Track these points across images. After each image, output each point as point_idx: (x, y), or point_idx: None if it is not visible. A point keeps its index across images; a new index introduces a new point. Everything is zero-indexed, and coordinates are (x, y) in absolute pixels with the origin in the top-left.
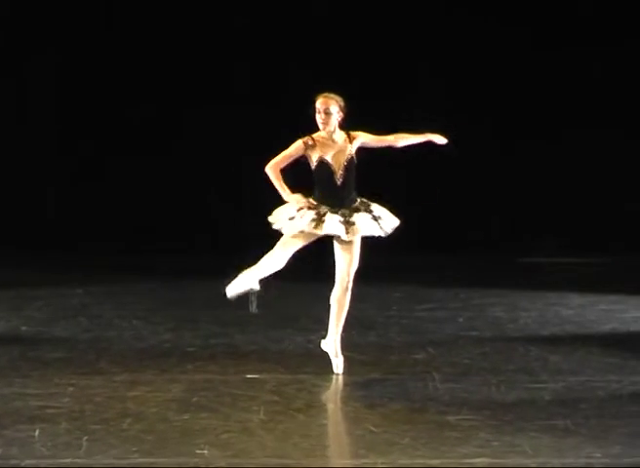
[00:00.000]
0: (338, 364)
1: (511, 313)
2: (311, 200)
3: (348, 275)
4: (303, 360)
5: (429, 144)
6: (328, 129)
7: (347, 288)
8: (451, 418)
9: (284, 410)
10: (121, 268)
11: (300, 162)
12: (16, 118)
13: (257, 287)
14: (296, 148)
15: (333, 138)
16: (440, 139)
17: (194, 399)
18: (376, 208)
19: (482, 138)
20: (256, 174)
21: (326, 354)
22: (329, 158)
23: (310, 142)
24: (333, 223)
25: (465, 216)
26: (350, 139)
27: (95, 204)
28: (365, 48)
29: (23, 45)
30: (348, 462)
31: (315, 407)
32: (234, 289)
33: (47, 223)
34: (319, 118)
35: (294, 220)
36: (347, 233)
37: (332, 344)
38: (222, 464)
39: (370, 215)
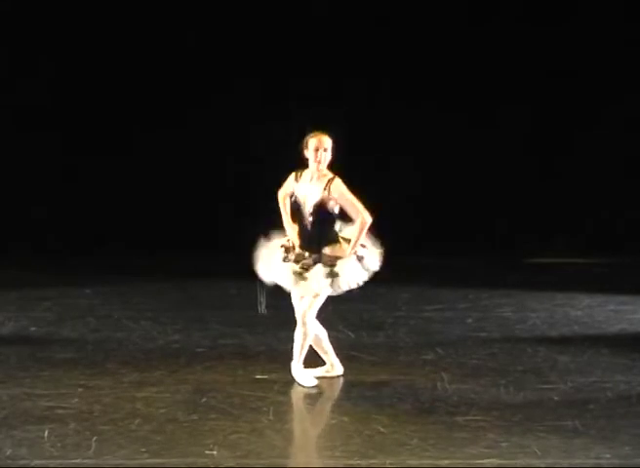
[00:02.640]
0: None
1: (520, 314)
2: (289, 243)
3: (304, 318)
4: (311, 361)
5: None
6: (322, 167)
7: (305, 326)
8: (459, 419)
9: (293, 411)
10: (129, 269)
11: None
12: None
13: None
14: (288, 183)
15: (311, 178)
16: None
17: (203, 399)
18: (343, 262)
19: (489, 138)
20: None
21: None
22: (301, 197)
23: (298, 177)
24: (314, 281)
25: (474, 217)
26: (327, 185)
27: (103, 204)
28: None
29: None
30: (357, 462)
31: (324, 407)
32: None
33: (55, 224)
34: (317, 156)
35: (277, 273)
36: (332, 286)
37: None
38: (231, 464)
39: (354, 257)
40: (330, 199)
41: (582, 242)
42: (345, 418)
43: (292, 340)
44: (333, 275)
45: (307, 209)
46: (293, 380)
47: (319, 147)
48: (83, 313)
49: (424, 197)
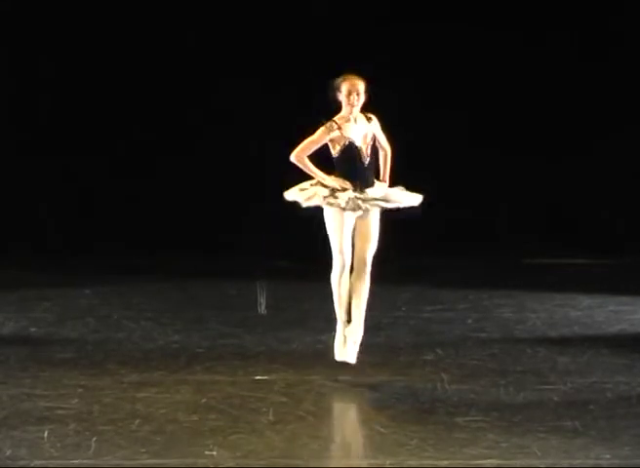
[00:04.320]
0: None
1: (520, 314)
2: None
3: (366, 262)
4: (312, 361)
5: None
6: (355, 110)
7: (365, 273)
8: (459, 419)
9: (293, 412)
10: (129, 269)
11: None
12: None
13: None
14: (320, 135)
15: (354, 120)
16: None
17: (203, 400)
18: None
19: (488, 138)
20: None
21: (331, 354)
22: (355, 140)
23: (335, 127)
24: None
25: (474, 217)
26: (369, 120)
27: (103, 204)
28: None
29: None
30: (357, 463)
31: (324, 408)
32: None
33: (55, 224)
34: (350, 99)
35: (335, 200)
36: (388, 201)
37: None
38: (231, 465)
39: (399, 188)
40: (375, 135)
41: (582, 242)
42: (345, 418)
43: (292, 341)
44: (387, 198)
45: (364, 147)
46: (292, 381)
47: (352, 91)
48: (83, 313)
49: (424, 197)
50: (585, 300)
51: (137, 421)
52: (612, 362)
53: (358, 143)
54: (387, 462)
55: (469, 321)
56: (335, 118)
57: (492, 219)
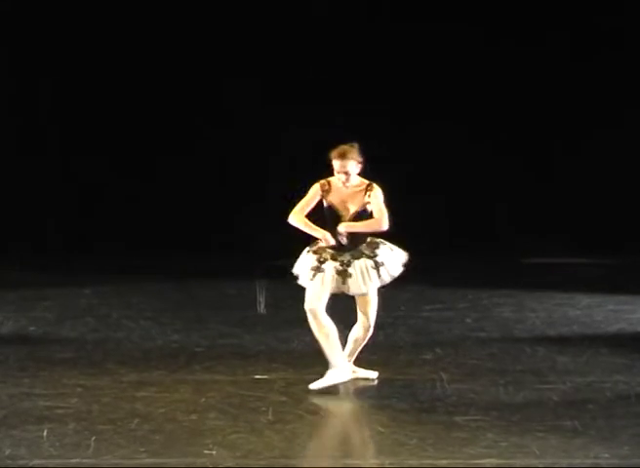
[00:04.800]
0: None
1: (519, 314)
2: (321, 246)
3: (368, 319)
4: (312, 360)
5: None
6: (348, 184)
7: (368, 328)
8: (458, 419)
9: (292, 411)
10: (129, 268)
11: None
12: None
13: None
14: (314, 193)
15: (350, 186)
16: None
17: (202, 399)
18: (382, 252)
19: (487, 139)
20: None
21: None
22: (338, 204)
23: (326, 187)
24: (359, 277)
25: (474, 216)
26: (367, 190)
27: (103, 204)
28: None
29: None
30: (357, 462)
31: (323, 407)
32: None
33: (54, 224)
34: (340, 177)
35: (316, 278)
36: (379, 277)
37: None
38: (230, 464)
39: (371, 262)
40: (367, 203)
41: (582, 242)
42: (344, 418)
43: (291, 340)
44: (378, 265)
45: (348, 215)
46: (292, 380)
47: (340, 171)
48: (82, 313)
49: (425, 197)
50: (584, 300)
51: (136, 421)
52: (611, 361)
53: (340, 210)
54: (387, 462)
55: (469, 320)
56: (330, 178)
57: (491, 219)
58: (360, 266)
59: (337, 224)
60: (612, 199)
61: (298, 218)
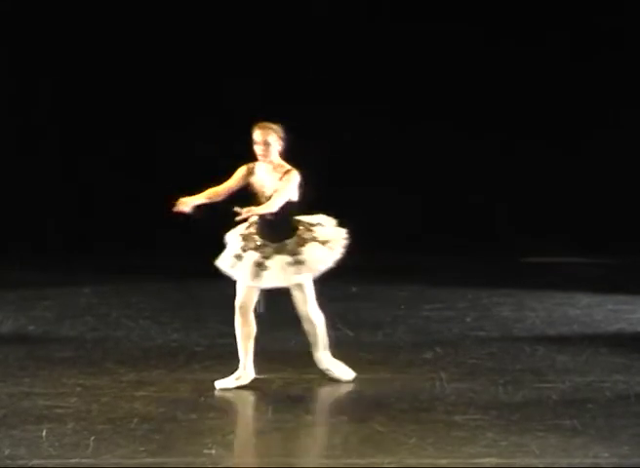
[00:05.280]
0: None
1: (518, 313)
2: (252, 231)
3: (307, 311)
4: (310, 360)
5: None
6: (268, 160)
7: (312, 319)
8: (458, 418)
9: (291, 410)
10: (129, 268)
11: None
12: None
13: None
14: (238, 173)
15: (270, 169)
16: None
17: (201, 399)
18: (319, 230)
19: (487, 139)
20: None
21: (333, 352)
22: (259, 188)
23: (252, 168)
24: (276, 271)
25: (473, 215)
26: (284, 175)
27: (102, 203)
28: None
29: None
30: (355, 461)
31: (322, 406)
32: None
33: (54, 223)
34: (258, 149)
35: (236, 267)
36: (297, 273)
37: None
38: (230, 464)
39: (317, 243)
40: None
41: (582, 241)
42: (344, 417)
43: (290, 340)
44: (298, 263)
45: (265, 199)
46: (290, 379)
47: (258, 142)
48: (82, 312)
49: (424, 195)
50: (584, 299)
51: (135, 420)
52: (610, 361)
53: (258, 193)
54: (386, 461)
55: (468, 319)
56: (252, 163)
57: (491, 219)
58: (279, 261)
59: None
60: (612, 199)
61: (205, 192)
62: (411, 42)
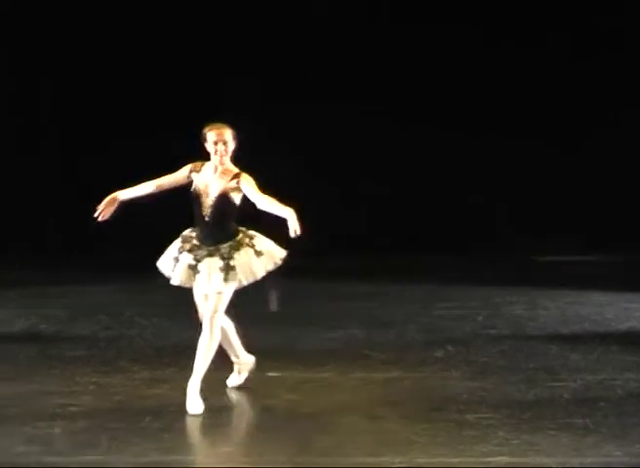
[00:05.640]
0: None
1: (531, 311)
2: (192, 234)
3: (209, 324)
4: (323, 358)
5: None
6: (224, 160)
7: (208, 332)
8: (470, 417)
9: (304, 409)
10: (141, 266)
11: None
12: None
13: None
14: (181, 171)
15: (218, 171)
16: (293, 224)
17: (214, 397)
18: (258, 241)
19: (504, 138)
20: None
21: (345, 351)
22: (201, 188)
23: (198, 168)
24: (206, 275)
25: (485, 214)
26: (234, 179)
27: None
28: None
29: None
30: (366, 460)
31: (335, 405)
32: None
33: (66, 221)
34: (218, 149)
35: (173, 269)
36: (226, 280)
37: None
38: (240, 462)
39: (252, 251)
40: (234, 191)
41: (593, 240)
42: (356, 416)
43: (302, 338)
44: (228, 268)
45: (208, 201)
46: (303, 378)
47: (218, 140)
48: (95, 310)
49: (436, 194)
50: (597, 297)
51: (148, 418)
52: (622, 359)
53: (202, 195)
54: (397, 460)
55: (480, 318)
56: (207, 161)
57: (503, 217)
58: (209, 265)
59: (199, 214)
60: (623, 196)
61: (143, 184)
62: (410, 42)
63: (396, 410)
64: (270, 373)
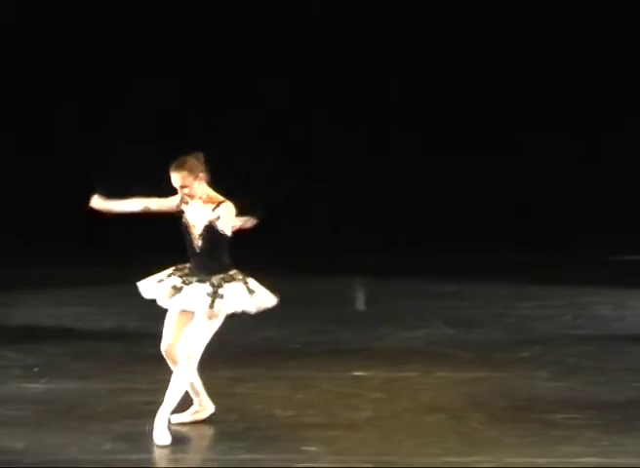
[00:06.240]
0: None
1: (618, 311)
2: (185, 265)
3: (190, 353)
4: (409, 357)
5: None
6: (196, 198)
7: (179, 362)
8: (556, 417)
9: (389, 408)
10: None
11: None
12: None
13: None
14: (172, 199)
15: (201, 203)
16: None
17: (299, 396)
18: (252, 282)
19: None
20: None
21: (430, 350)
22: (190, 220)
23: (186, 200)
24: (190, 294)
25: (572, 215)
26: (216, 208)
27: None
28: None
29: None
30: (453, 460)
31: (420, 404)
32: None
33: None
34: (181, 193)
35: (154, 289)
36: (212, 307)
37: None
38: (328, 461)
39: (245, 287)
40: (214, 219)
41: None
42: (442, 416)
43: (388, 337)
44: (215, 296)
45: (196, 232)
46: (389, 377)
47: (177, 186)
48: None
49: (523, 195)
50: None
51: (233, 416)
52: None
53: (191, 227)
54: (484, 460)
55: (567, 318)
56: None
57: (590, 216)
58: (196, 288)
59: (191, 245)
60: None
61: (125, 200)
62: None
63: (482, 410)
64: (356, 373)
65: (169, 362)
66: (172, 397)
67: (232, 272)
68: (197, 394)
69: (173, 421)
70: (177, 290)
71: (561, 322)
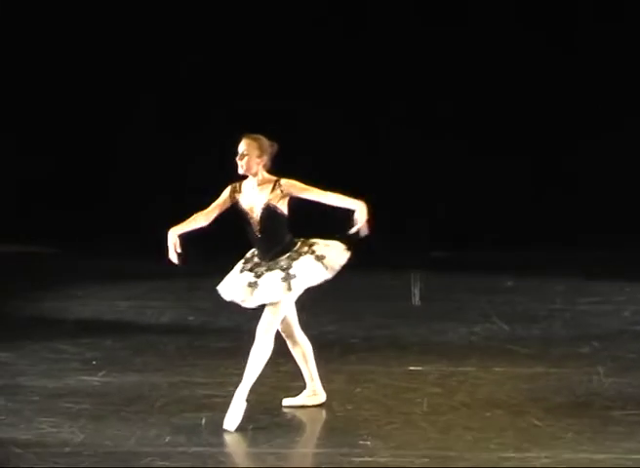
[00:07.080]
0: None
1: None
2: (252, 253)
3: (264, 330)
4: (466, 352)
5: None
6: (248, 173)
7: (258, 340)
8: (616, 413)
9: (447, 403)
10: None
11: None
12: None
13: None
14: (223, 195)
15: (256, 185)
16: (362, 216)
17: (357, 390)
18: (319, 247)
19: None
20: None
21: (488, 345)
22: (246, 207)
23: (237, 188)
24: (266, 288)
25: (627, 209)
26: (275, 187)
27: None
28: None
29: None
30: (512, 455)
31: (478, 399)
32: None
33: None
34: (238, 164)
35: (232, 290)
36: (289, 289)
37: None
38: (385, 455)
39: (312, 257)
40: (277, 200)
41: None
42: (500, 411)
43: (446, 332)
44: (289, 277)
45: (255, 217)
46: (446, 372)
47: (237, 153)
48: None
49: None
50: None
51: (291, 410)
52: None
53: (249, 213)
54: (543, 455)
55: (626, 313)
56: (237, 182)
57: None
58: (269, 279)
59: (250, 231)
60: None
61: (194, 217)
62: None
63: (541, 406)
64: (413, 367)
65: (288, 341)
66: (250, 373)
67: (296, 247)
68: (312, 379)
69: (284, 404)
70: (253, 286)
71: (620, 317)
